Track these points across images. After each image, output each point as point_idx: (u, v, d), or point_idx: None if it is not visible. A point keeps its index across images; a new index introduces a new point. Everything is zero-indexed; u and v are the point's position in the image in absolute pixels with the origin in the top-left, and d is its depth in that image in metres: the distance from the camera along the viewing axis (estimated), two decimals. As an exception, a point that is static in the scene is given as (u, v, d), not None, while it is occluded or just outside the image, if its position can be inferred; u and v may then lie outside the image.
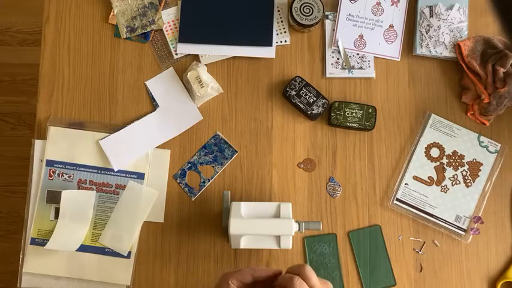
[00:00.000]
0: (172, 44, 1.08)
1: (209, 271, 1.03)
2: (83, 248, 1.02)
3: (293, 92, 1.05)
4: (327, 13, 1.10)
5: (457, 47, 1.07)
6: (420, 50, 1.08)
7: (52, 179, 1.03)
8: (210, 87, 1.04)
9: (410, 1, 1.10)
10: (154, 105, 1.07)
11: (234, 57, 1.09)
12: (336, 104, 1.05)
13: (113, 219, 1.03)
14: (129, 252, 1.02)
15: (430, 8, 1.08)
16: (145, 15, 1.08)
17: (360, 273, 1.03)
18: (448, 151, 1.06)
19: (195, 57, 1.08)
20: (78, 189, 1.03)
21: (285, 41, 1.09)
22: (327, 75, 1.08)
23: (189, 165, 1.06)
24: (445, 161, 1.06)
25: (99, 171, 1.04)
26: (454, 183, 1.05)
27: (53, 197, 1.02)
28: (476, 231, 1.04)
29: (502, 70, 1.02)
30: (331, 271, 1.03)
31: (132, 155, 1.05)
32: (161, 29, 1.09)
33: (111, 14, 1.09)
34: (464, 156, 1.06)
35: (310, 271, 0.74)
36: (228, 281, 0.76)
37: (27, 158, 1.04)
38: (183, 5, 1.09)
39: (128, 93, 1.08)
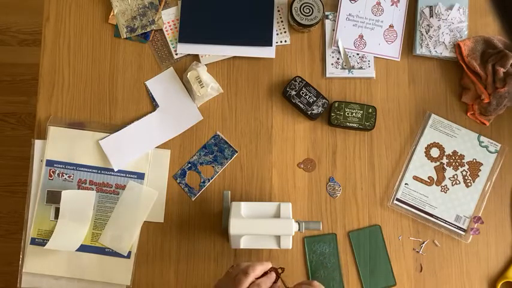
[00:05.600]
0: (172, 44, 1.08)
1: (209, 271, 1.03)
2: (83, 248, 1.02)
3: (293, 92, 1.05)
4: (327, 13, 1.10)
5: (457, 47, 1.07)
6: (420, 50, 1.08)
7: (52, 179, 1.03)
8: (210, 87, 1.04)
9: (410, 1, 1.10)
10: (154, 105, 1.07)
11: (234, 57, 1.09)
12: (336, 104, 1.05)
13: (113, 219, 1.03)
14: (129, 252, 1.02)
15: (430, 8, 1.08)
16: (145, 15, 1.08)
17: (360, 273, 1.03)
18: (448, 151, 1.06)
19: (195, 57, 1.08)
20: (78, 189, 1.03)
21: (285, 41, 1.09)
22: (327, 75, 1.08)
23: (189, 165, 1.06)
24: (445, 161, 1.06)
25: (99, 171, 1.04)
26: (454, 183, 1.05)
27: (53, 197, 1.02)
28: (476, 231, 1.04)
29: (502, 70, 1.02)
30: (331, 271, 1.03)
31: (132, 155, 1.04)
32: (161, 29, 1.09)
33: (111, 14, 1.09)
34: (464, 156, 1.06)
35: None
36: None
37: (27, 158, 1.04)
38: (183, 5, 1.09)
39: (128, 93, 1.08)
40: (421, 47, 1.08)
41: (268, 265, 0.86)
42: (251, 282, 0.82)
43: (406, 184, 1.05)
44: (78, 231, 1.02)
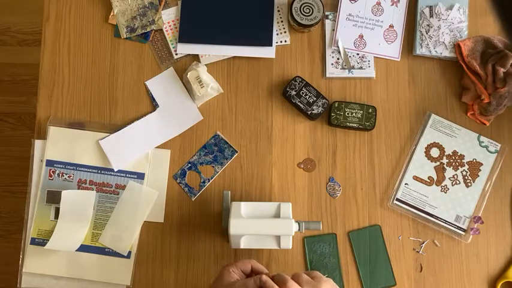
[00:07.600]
0: (172, 44, 1.08)
1: (209, 271, 1.03)
2: (83, 248, 1.02)
3: (293, 92, 1.05)
4: (327, 13, 1.10)
5: (457, 47, 1.07)
6: (420, 50, 1.08)
7: (52, 179, 1.03)
8: (210, 87, 1.04)
9: (410, 1, 1.10)
10: (154, 105, 1.07)
11: (234, 57, 1.09)
12: (336, 104, 1.05)
13: (113, 219, 1.03)
14: (129, 252, 1.02)
15: (430, 8, 1.08)
16: (145, 15, 1.08)
17: (360, 273, 1.03)
18: (448, 151, 1.06)
19: (195, 57, 1.08)
20: (78, 189, 1.03)
21: (285, 41, 1.09)
22: (327, 75, 1.08)
23: (189, 165, 1.06)
24: (445, 161, 1.06)
25: (99, 171, 1.04)
26: (454, 183, 1.05)
27: (53, 197, 1.02)
28: (476, 231, 1.04)
29: (502, 70, 1.02)
30: (331, 271, 1.03)
31: (132, 155, 1.04)
32: (161, 29, 1.09)
33: (111, 14, 1.09)
34: (464, 156, 1.06)
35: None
36: (229, 269, 0.83)
37: (27, 158, 1.04)
38: (183, 5, 1.09)
39: (128, 93, 1.08)
40: (421, 47, 1.08)
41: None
42: None
43: (406, 184, 1.05)
44: (78, 231, 1.02)
